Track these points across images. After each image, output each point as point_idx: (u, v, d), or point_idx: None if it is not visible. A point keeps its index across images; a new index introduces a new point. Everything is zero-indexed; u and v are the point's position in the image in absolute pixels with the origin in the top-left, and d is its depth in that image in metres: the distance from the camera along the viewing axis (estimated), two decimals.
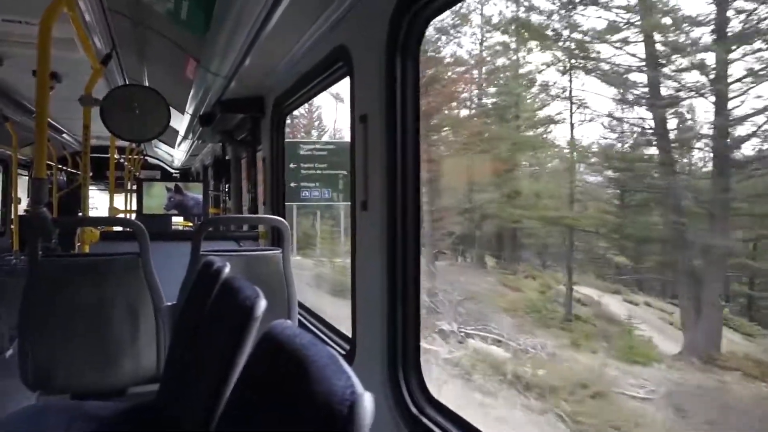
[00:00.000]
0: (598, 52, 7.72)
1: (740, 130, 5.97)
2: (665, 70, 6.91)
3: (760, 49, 5.78)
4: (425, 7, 1.63)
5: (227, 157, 5.27)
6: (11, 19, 2.69)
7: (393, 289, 1.77)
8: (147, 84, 4.43)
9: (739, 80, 5.85)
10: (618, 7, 7.47)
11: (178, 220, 8.19)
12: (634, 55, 7.22)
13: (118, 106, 3.20)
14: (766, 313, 6.15)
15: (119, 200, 7.54)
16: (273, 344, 0.90)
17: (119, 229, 3.84)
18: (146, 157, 9.36)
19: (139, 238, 2.31)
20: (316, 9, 2.10)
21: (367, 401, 0.65)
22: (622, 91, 7.67)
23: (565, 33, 8.29)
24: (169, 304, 2.36)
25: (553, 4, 8.45)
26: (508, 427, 5.94)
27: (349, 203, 2.06)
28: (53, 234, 3.97)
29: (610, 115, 8.05)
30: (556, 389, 6.09)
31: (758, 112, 5.72)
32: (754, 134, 5.86)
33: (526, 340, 7.25)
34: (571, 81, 8.46)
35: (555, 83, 8.94)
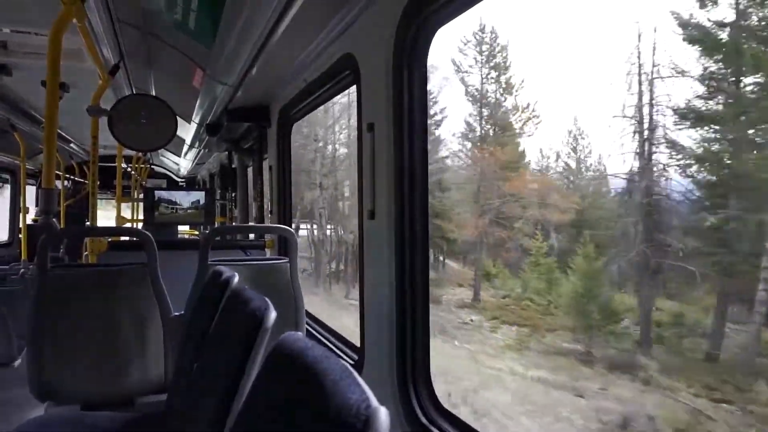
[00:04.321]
0: None
1: None
2: None
3: None
4: (433, 14, 1.63)
5: (234, 166, 5.28)
6: (21, 30, 2.72)
7: (402, 298, 1.76)
8: (154, 93, 4.45)
9: None
10: None
11: (184, 229, 8.21)
12: None
13: (126, 115, 3.21)
14: None
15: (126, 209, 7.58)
16: (285, 357, 0.89)
17: (127, 238, 3.84)
18: (152, 166, 9.40)
19: (146, 248, 2.31)
20: (323, 18, 2.10)
21: (383, 416, 0.63)
22: None
23: None
24: (177, 314, 2.35)
25: None
26: None
27: None
28: (61, 244, 3.99)
29: None
30: None
31: None
32: None
33: None
34: None
35: None
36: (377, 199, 1.84)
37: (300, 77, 2.74)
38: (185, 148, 6.21)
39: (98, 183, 3.48)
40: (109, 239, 3.46)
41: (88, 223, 3.65)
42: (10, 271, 4.16)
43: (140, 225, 6.63)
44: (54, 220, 2.26)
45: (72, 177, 8.06)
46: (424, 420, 1.68)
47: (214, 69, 2.97)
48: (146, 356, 2.29)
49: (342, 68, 2.24)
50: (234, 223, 5.73)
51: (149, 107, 3.30)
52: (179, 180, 10.08)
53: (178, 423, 1.64)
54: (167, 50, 3.38)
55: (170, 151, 7.31)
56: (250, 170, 4.82)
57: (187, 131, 5.01)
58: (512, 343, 11.20)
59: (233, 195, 5.74)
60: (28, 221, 5.90)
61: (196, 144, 5.59)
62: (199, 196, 5.06)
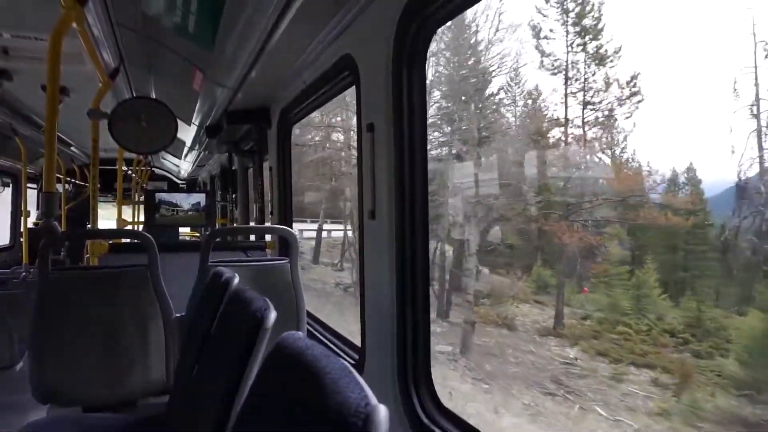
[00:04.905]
0: None
1: None
2: None
3: None
4: (431, 15, 1.63)
5: (234, 168, 5.29)
6: (21, 35, 2.73)
7: (402, 298, 1.76)
8: (154, 96, 4.46)
9: None
10: None
11: (185, 231, 8.22)
12: None
13: (126, 118, 3.23)
14: None
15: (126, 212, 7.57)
16: (285, 356, 0.89)
17: (128, 240, 3.86)
18: (153, 169, 9.42)
19: (147, 250, 2.31)
20: (322, 19, 2.11)
21: (382, 414, 0.64)
22: None
23: None
24: (178, 315, 2.36)
25: None
26: None
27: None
28: (62, 247, 4.00)
29: None
30: None
31: None
32: None
33: None
34: None
35: None
36: (377, 199, 1.85)
37: (299, 79, 2.75)
38: (185, 150, 6.23)
39: (99, 186, 3.49)
40: (110, 242, 3.46)
41: (89, 225, 3.66)
42: (11, 274, 4.18)
43: (141, 227, 6.64)
44: (55, 223, 2.27)
45: (73, 180, 8.08)
46: (425, 419, 1.68)
47: (214, 71, 2.98)
48: (148, 358, 2.29)
49: (341, 69, 2.24)
50: (235, 225, 5.73)
51: (149, 110, 3.31)
52: (180, 182, 10.09)
53: (179, 424, 1.65)
54: (167, 53, 3.38)
55: (171, 154, 7.32)
56: (250, 172, 4.83)
57: (187, 133, 5.02)
58: (667, 405, 7.70)
59: (234, 196, 5.75)
60: (30, 225, 5.92)
61: (197, 146, 5.61)
62: (200, 198, 5.07)
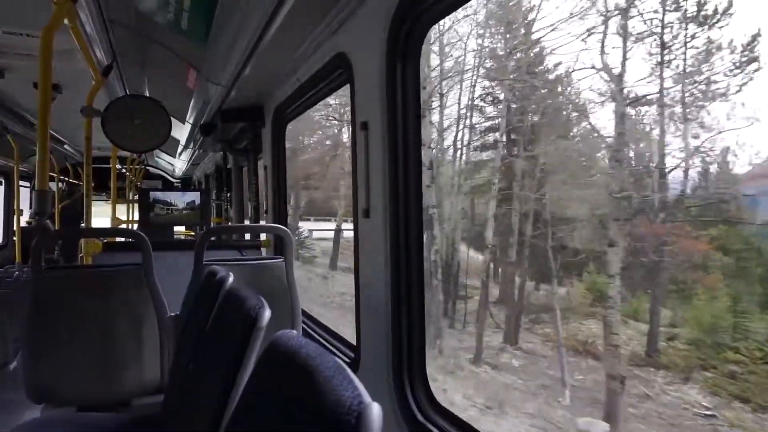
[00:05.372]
0: None
1: None
2: None
3: None
4: (425, 12, 1.63)
5: (229, 166, 5.27)
6: (12, 32, 2.71)
7: (397, 296, 1.76)
8: (148, 94, 4.44)
9: None
10: None
11: (180, 230, 8.19)
12: None
13: (120, 116, 3.21)
14: None
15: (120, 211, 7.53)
16: (278, 354, 0.89)
17: (122, 239, 3.84)
18: (147, 167, 9.38)
19: (142, 249, 2.30)
20: (316, 17, 2.10)
21: (375, 411, 0.64)
22: None
23: None
24: (173, 314, 2.35)
25: None
26: None
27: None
28: (56, 245, 3.98)
29: None
30: None
31: None
32: None
33: None
34: None
35: None
36: (372, 198, 1.85)
37: (293, 77, 2.74)
38: (180, 148, 6.20)
39: (93, 184, 3.47)
40: (104, 240, 3.44)
41: (83, 224, 3.64)
42: (4, 273, 4.16)
43: (136, 226, 6.61)
44: (48, 221, 2.26)
45: (66, 178, 8.03)
46: (420, 417, 1.68)
47: (208, 69, 2.97)
48: (142, 357, 2.28)
49: (335, 67, 2.24)
50: (230, 223, 5.72)
51: (143, 108, 3.29)
52: (174, 181, 10.05)
53: (174, 424, 1.64)
54: (160, 50, 3.37)
55: (165, 152, 7.30)
56: (245, 170, 4.82)
57: (181, 132, 5.00)
58: None
59: (229, 195, 5.74)
60: (23, 223, 5.88)
61: (191, 144, 5.58)
62: (195, 196, 5.06)
